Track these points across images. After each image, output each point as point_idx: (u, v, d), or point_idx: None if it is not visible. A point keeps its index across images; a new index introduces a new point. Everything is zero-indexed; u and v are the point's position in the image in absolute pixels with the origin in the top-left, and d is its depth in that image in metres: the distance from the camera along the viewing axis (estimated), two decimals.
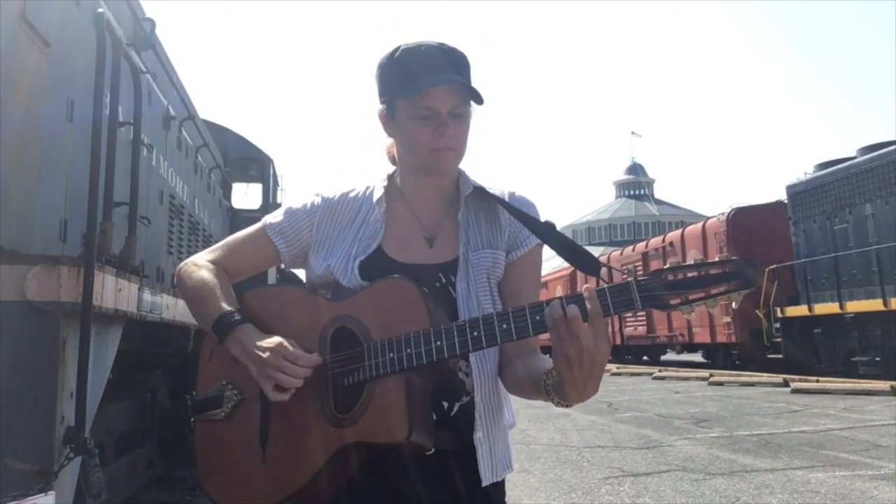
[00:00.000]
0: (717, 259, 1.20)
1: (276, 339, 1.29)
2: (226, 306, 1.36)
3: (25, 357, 2.15)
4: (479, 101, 1.35)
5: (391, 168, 1.52)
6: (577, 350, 1.16)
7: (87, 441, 2.30)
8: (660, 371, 15.99)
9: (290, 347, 1.27)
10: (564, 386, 1.26)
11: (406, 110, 1.36)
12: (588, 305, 1.17)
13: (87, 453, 2.32)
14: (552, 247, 1.40)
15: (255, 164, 8.58)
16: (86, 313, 2.25)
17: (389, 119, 1.42)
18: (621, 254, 23.23)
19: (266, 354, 1.27)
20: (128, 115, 3.11)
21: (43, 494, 2.03)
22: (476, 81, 1.38)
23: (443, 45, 1.37)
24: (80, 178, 2.57)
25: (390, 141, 1.51)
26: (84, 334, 2.26)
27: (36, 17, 2.37)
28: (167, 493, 4.82)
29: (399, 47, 1.38)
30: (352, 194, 1.49)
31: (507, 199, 1.46)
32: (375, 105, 1.44)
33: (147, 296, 3.11)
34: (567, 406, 1.28)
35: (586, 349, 1.16)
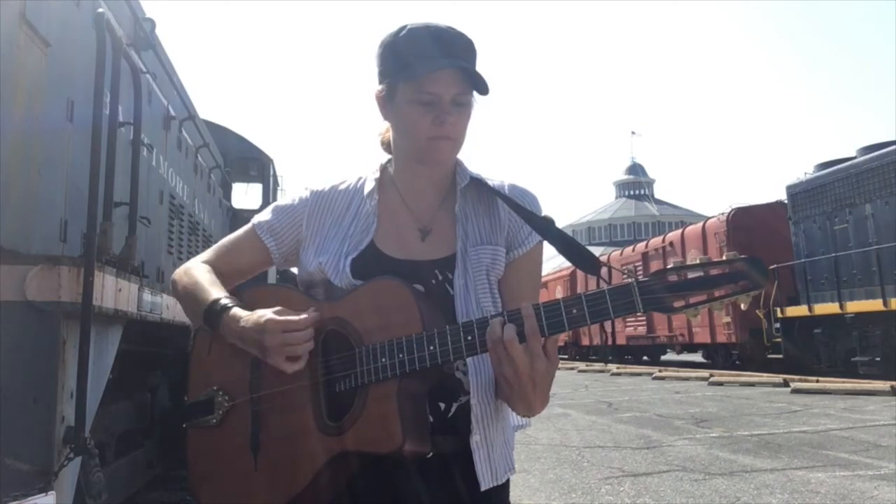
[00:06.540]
0: (723, 258, 1.14)
1: (265, 315, 1.24)
2: (215, 294, 1.33)
3: (25, 357, 2.15)
4: (485, 90, 1.29)
5: (384, 158, 1.47)
6: (513, 371, 1.16)
7: (87, 441, 2.30)
8: (660, 371, 15.98)
9: (281, 318, 1.23)
10: (509, 402, 1.28)
11: (407, 94, 1.29)
12: (524, 324, 1.15)
13: (87, 453, 2.32)
14: (551, 243, 1.35)
15: (255, 164, 8.57)
16: (86, 313, 2.24)
17: (388, 101, 1.34)
18: (621, 254, 23.22)
19: (264, 337, 1.23)
20: (128, 115, 3.11)
21: (43, 494, 2.03)
22: (481, 71, 1.31)
23: (451, 28, 1.31)
24: (80, 178, 2.56)
25: (385, 127, 1.45)
26: (84, 334, 2.26)
27: (36, 17, 2.37)
28: (167, 493, 4.82)
29: (405, 26, 1.31)
30: (342, 186, 1.44)
31: (506, 191, 1.40)
32: (374, 86, 1.37)
33: (147, 296, 3.12)
34: (528, 416, 1.30)
35: (522, 371, 1.15)
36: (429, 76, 1.27)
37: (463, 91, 1.29)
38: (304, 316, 1.24)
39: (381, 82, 1.35)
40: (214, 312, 1.30)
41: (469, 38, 1.32)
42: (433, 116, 1.29)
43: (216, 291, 1.34)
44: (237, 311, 1.29)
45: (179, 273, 1.44)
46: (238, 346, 1.28)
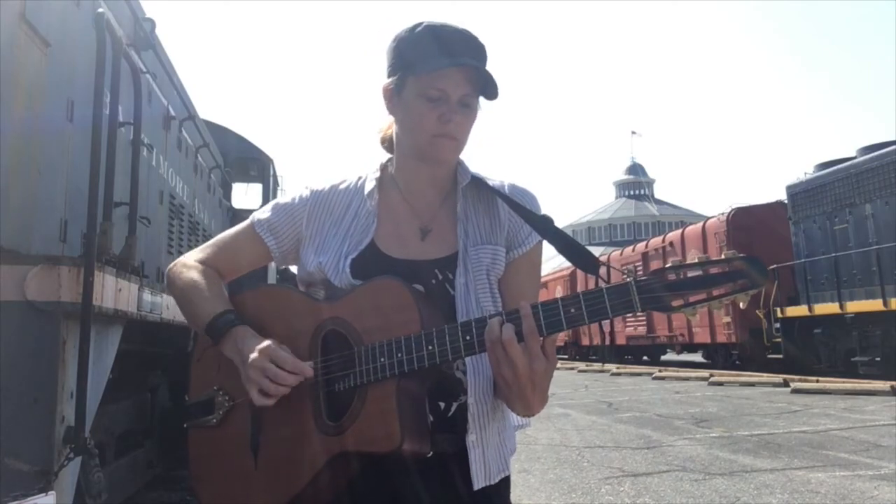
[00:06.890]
0: (721, 257, 1.14)
1: (267, 342, 1.25)
2: (219, 307, 1.33)
3: (25, 357, 2.15)
4: (494, 95, 1.30)
5: (384, 157, 1.46)
6: (511, 372, 1.16)
7: (87, 441, 2.30)
8: (660, 371, 15.98)
9: (279, 351, 1.23)
10: (508, 402, 1.28)
11: (416, 88, 1.30)
12: (523, 324, 1.14)
13: (87, 453, 2.32)
14: (550, 242, 1.35)
15: (255, 164, 8.58)
16: (86, 313, 2.24)
17: (395, 95, 1.34)
18: (621, 254, 23.22)
19: (253, 356, 1.23)
20: (128, 115, 3.11)
21: (43, 494, 2.03)
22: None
23: (466, 30, 1.32)
24: (80, 178, 2.56)
25: (386, 124, 1.45)
26: (84, 334, 2.26)
27: (36, 17, 2.37)
28: (167, 493, 4.82)
29: (421, 23, 1.32)
30: (342, 186, 1.44)
31: (506, 191, 1.40)
32: (377, 85, 1.37)
33: (147, 296, 3.12)
34: (526, 416, 1.30)
35: (521, 372, 1.15)
36: (440, 73, 1.27)
37: (471, 93, 1.30)
38: (296, 362, 1.23)
39: (390, 76, 1.35)
40: (220, 327, 1.31)
41: (483, 42, 1.33)
42: (439, 114, 1.29)
43: (220, 303, 1.34)
44: (243, 329, 1.30)
45: (177, 270, 1.43)
46: (235, 361, 1.29)
